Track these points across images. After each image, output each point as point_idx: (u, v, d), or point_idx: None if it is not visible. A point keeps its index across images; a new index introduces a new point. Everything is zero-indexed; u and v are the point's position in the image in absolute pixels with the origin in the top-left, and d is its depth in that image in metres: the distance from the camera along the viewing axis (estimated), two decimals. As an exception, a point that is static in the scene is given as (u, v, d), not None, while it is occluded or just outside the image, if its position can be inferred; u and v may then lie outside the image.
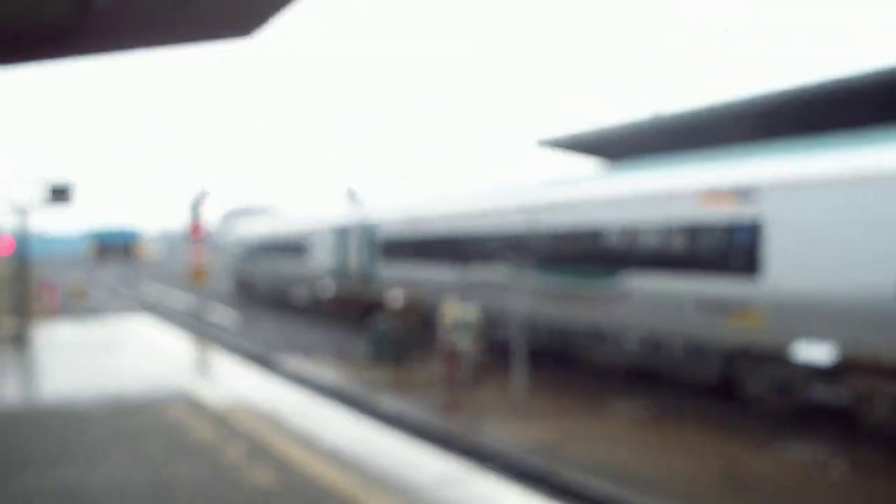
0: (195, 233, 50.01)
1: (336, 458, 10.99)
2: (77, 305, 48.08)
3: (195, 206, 49.72)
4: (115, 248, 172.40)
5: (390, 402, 20.52)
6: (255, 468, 10.43)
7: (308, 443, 11.87)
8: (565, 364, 24.66)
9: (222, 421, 13.32)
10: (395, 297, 30.49)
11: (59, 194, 26.18)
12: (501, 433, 17.18)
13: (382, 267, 35.46)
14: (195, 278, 49.05)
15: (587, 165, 32.37)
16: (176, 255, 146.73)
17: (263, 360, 27.62)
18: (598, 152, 31.68)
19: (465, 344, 21.72)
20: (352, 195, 49.94)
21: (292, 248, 47.00)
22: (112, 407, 14.49)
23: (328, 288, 41.05)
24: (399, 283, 33.08)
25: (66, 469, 10.49)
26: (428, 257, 31.50)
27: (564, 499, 13.08)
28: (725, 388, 19.43)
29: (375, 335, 27.35)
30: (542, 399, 20.71)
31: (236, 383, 17.43)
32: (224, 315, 45.66)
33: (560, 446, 16.07)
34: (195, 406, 14.56)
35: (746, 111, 23.06)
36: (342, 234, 39.69)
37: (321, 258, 42.17)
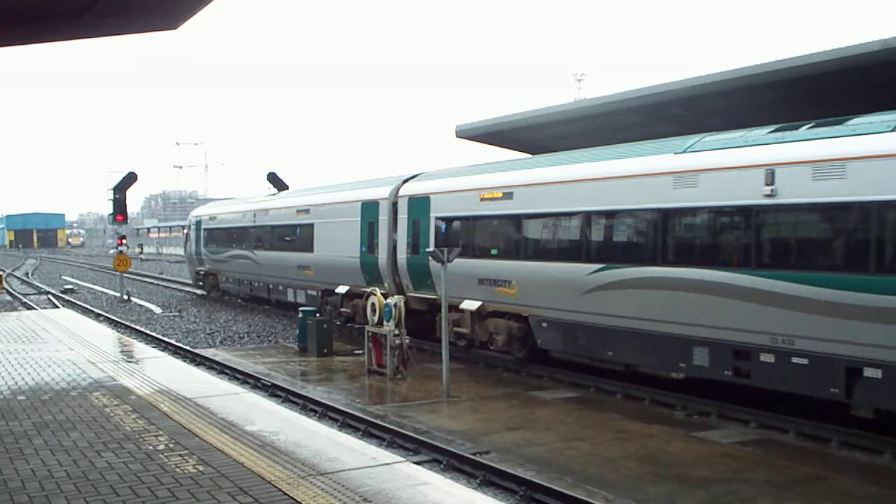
0: (119, 218, 49.60)
1: (263, 444, 11.08)
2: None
3: (120, 190, 49.19)
4: (39, 233, 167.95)
5: (314, 390, 20.62)
6: (181, 456, 10.48)
7: (234, 430, 11.93)
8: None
9: (146, 409, 13.32)
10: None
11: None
12: (426, 421, 17.38)
13: None
14: (118, 266, 48.69)
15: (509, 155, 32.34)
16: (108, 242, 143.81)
17: (189, 351, 27.48)
18: (515, 144, 31.65)
19: (390, 331, 21.85)
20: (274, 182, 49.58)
21: (286, 231, 37.67)
22: (32, 397, 14.38)
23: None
24: None
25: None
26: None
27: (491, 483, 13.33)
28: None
29: (300, 324, 27.40)
30: (467, 387, 20.96)
31: (161, 373, 17.32)
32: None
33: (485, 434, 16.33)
34: (117, 395, 14.51)
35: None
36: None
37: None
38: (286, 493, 8.90)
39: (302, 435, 11.82)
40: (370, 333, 22.86)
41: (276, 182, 48.91)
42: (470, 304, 24.09)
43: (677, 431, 16.55)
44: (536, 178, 22.22)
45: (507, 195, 22.94)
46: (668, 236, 18.24)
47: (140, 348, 22.47)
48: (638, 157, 19.27)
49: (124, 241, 52.16)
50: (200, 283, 50.52)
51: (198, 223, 50.38)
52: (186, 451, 10.68)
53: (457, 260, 21.01)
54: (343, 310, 31.43)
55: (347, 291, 31.10)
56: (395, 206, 27.99)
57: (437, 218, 25.77)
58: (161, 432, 11.76)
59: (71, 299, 48.56)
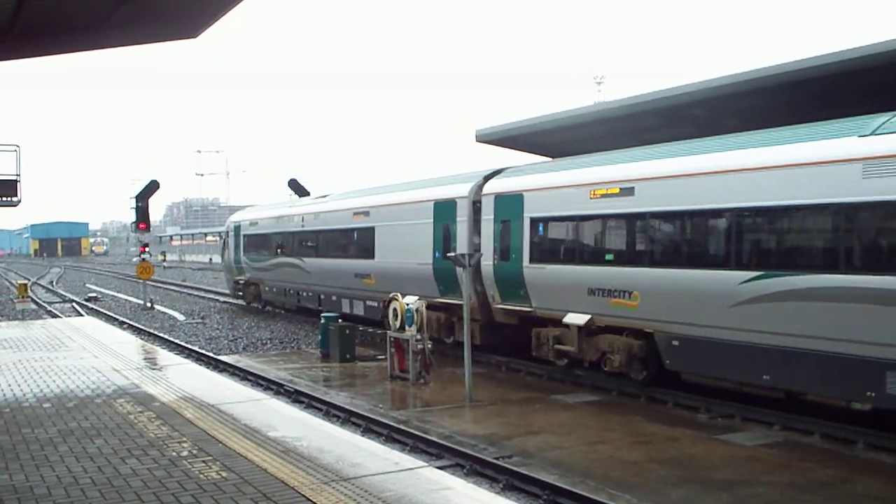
0: (142, 226, 49.81)
1: (286, 450, 11.11)
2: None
3: (142, 198, 49.37)
4: (63, 242, 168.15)
5: (337, 396, 20.66)
6: (204, 462, 10.53)
7: (257, 436, 11.97)
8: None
9: (170, 415, 13.38)
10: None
11: (5, 187, 25.83)
12: (449, 426, 17.39)
13: None
14: (141, 274, 48.89)
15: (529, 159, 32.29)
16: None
17: (212, 358, 27.55)
18: (534, 148, 31.65)
19: (412, 336, 21.86)
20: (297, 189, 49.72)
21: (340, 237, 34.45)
22: (58, 405, 14.47)
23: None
24: None
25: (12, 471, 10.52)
26: None
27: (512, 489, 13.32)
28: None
29: (322, 330, 27.43)
30: (489, 391, 20.97)
31: (184, 380, 17.39)
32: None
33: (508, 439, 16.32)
34: (141, 402, 14.59)
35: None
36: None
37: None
38: (309, 499, 8.93)
39: (324, 440, 11.85)
40: (392, 339, 22.88)
41: (297, 188, 49.23)
42: (576, 318, 20.97)
43: (700, 434, 16.50)
44: (665, 170, 19.03)
45: (627, 191, 19.78)
46: (855, 237, 15.20)
47: (163, 355, 22.57)
48: (801, 143, 16.14)
49: (147, 249, 52.36)
50: (240, 294, 47.19)
51: (237, 229, 47.03)
52: (210, 458, 10.73)
53: (559, 267, 20.33)
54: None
55: (417, 302, 24.85)
56: (475, 205, 25.02)
57: (533, 219, 22.59)
58: (184, 439, 11.81)
59: (95, 307, 48.80)
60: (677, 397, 19.13)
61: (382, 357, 24.86)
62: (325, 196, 38.31)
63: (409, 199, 29.02)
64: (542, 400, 20.20)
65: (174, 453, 10.98)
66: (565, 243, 21.98)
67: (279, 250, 40.71)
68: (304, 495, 9.06)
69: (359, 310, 32.24)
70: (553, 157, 28.95)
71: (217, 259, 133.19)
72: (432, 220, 26.94)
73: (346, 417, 18.30)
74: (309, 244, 37.36)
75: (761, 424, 17.06)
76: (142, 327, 36.84)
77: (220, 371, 24.51)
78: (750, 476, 13.67)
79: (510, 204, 23.45)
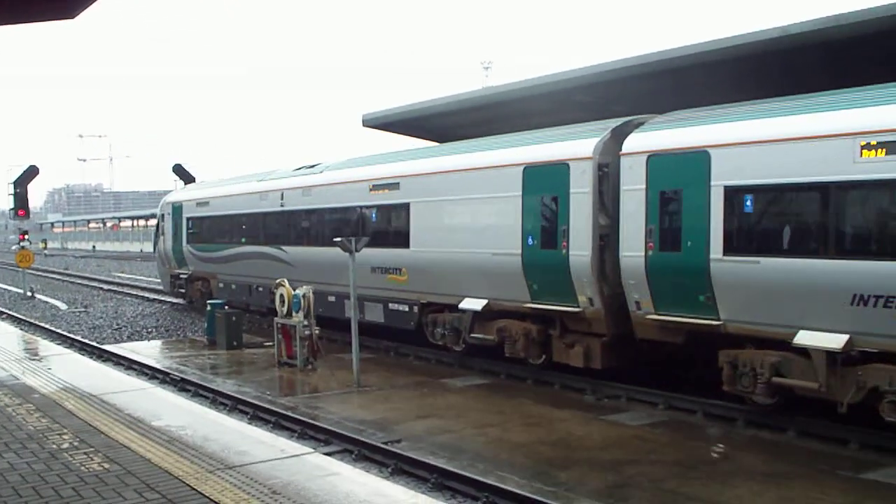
0: (21, 213, 48.51)
1: (171, 440, 10.95)
2: None
3: (21, 184, 48.06)
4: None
5: (224, 383, 20.44)
6: (86, 454, 10.31)
7: (141, 426, 11.77)
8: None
9: (50, 407, 13.07)
10: None
11: None
12: (337, 412, 17.34)
13: None
14: (21, 262, 47.62)
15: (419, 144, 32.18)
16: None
17: (96, 347, 26.99)
18: (424, 133, 31.59)
19: (299, 322, 21.72)
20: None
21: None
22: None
23: None
24: None
25: None
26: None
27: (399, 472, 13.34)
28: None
29: (208, 317, 27.09)
30: (377, 376, 20.96)
31: (66, 370, 17.00)
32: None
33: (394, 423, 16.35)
34: (20, 394, 14.22)
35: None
36: None
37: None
38: (194, 488, 8.81)
39: (210, 429, 11.71)
40: (279, 325, 22.69)
41: (183, 174, 48.26)
42: (821, 340, 14.19)
43: (587, 415, 16.77)
44: None
45: None
46: None
47: (45, 346, 22.07)
48: None
49: (27, 237, 50.99)
50: (181, 291, 38.70)
51: (176, 211, 38.46)
52: (92, 449, 10.50)
53: (793, 262, 14.53)
54: (477, 335, 21.13)
55: (486, 308, 20.72)
56: (603, 169, 18.09)
57: (733, 188, 15.45)
58: (65, 431, 11.54)
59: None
60: (564, 379, 19.36)
61: (270, 344, 24.65)
62: (314, 166, 29.44)
63: (475, 163, 21.32)
64: (431, 384, 20.27)
65: (54, 446, 10.72)
66: (809, 225, 14.95)
67: (244, 237, 32.47)
68: (189, 485, 8.94)
69: (374, 315, 24.74)
70: (440, 141, 28.69)
71: (104, 247, 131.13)
72: (520, 193, 19.66)
73: (233, 405, 18.10)
74: (293, 229, 29.22)
75: (646, 404, 17.42)
76: (22, 317, 35.90)
77: (104, 361, 24.03)
78: (636, 455, 13.94)
79: (682, 166, 16.33)
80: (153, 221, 47.76)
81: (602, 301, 17.96)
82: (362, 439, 14.66)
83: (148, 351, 26.18)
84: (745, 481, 12.53)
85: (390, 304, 24.14)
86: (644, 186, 16.90)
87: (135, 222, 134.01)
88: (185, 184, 45.48)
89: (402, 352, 24.39)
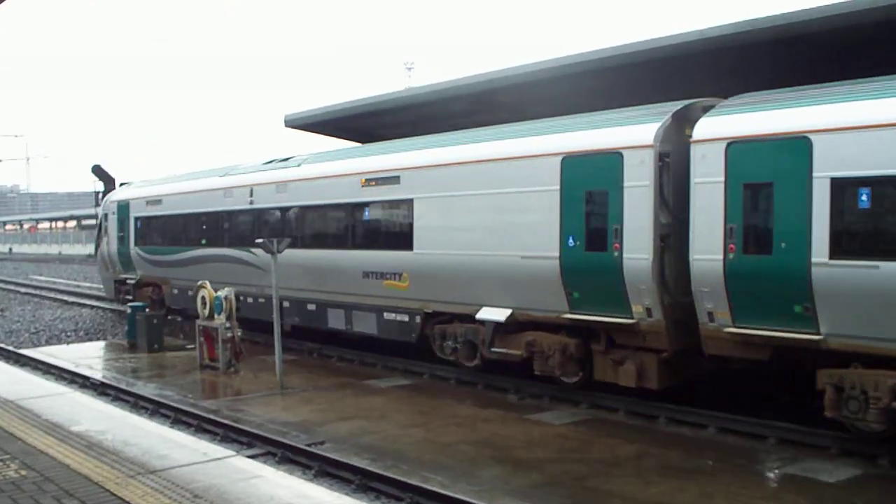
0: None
1: (90, 445, 10.81)
2: None
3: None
4: None
5: (145, 387, 20.20)
6: (1, 461, 10.14)
7: (59, 432, 11.61)
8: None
9: (-33, 414, 12.84)
10: None
11: None
12: (261, 414, 17.23)
13: None
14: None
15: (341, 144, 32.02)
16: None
17: (12, 352, 26.50)
18: (347, 133, 31.48)
19: (221, 324, 21.54)
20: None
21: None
22: None
23: None
24: None
25: None
26: None
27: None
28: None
29: (129, 320, 26.75)
30: (301, 378, 20.86)
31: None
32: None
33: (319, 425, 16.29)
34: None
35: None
36: None
37: None
38: (114, 494, 8.73)
39: (130, 433, 11.61)
40: (201, 327, 22.48)
41: (102, 175, 47.42)
42: None
43: (510, 415, 16.86)
44: None
45: None
46: None
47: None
48: None
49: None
50: (128, 297, 33.61)
51: (121, 210, 34.86)
52: (8, 456, 10.34)
53: None
54: (499, 350, 18.41)
55: (510, 319, 18.12)
56: (663, 160, 15.68)
57: (841, 180, 13.11)
58: (-20, 436, 11.35)
59: None
60: (487, 379, 19.43)
61: (192, 346, 24.42)
62: (287, 159, 26.44)
63: (499, 153, 18.49)
64: (354, 385, 20.23)
65: (-31, 452, 10.53)
66: None
67: (204, 238, 29.18)
68: (108, 490, 8.86)
69: (364, 326, 22.28)
70: (363, 142, 28.56)
71: (21, 249, 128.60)
72: (559, 187, 16.99)
73: (154, 409, 17.89)
74: (264, 229, 25.56)
75: (569, 403, 17.54)
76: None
77: (22, 366, 23.56)
78: (559, 454, 14.06)
79: (773, 155, 14.05)
80: (72, 223, 46.60)
81: (662, 311, 15.57)
82: (286, 441, 14.58)
83: (67, 355, 25.72)
84: (667, 478, 12.71)
85: (386, 314, 21.37)
86: (723, 179, 14.52)
87: (53, 224, 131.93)
88: (105, 185, 44.35)
89: (326, 353, 24.29)
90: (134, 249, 33.46)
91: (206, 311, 22.14)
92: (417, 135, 22.89)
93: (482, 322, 18.60)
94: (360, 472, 12.89)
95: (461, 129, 21.36)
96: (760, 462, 13.53)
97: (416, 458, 13.89)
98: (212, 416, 16.67)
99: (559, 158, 16.87)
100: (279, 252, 19.93)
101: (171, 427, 15.22)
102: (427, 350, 20.66)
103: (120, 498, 8.60)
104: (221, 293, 21.68)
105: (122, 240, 34.37)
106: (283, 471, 11.95)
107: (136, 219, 33.55)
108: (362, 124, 29.44)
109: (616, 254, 15.80)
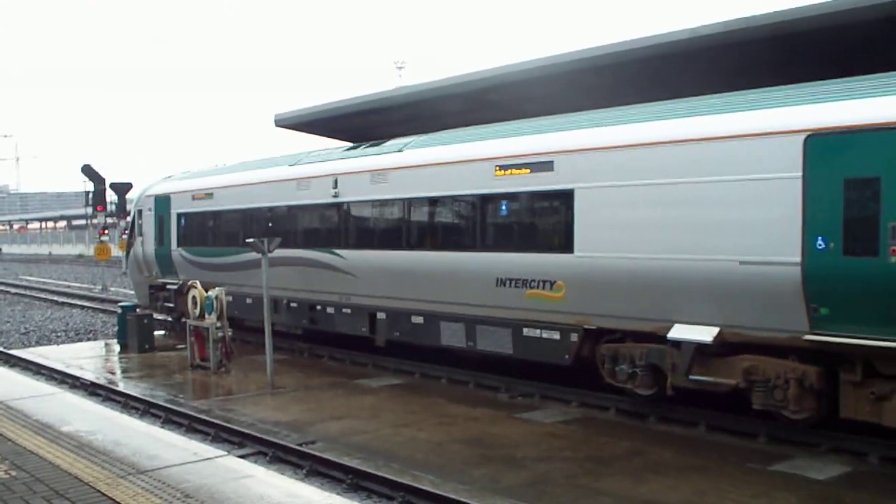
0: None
1: (81, 445, 10.80)
2: None
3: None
4: None
5: (135, 387, 20.17)
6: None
7: (50, 432, 11.59)
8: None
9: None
10: None
11: None
12: (251, 414, 17.22)
13: None
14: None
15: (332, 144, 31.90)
16: None
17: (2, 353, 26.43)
18: (338, 133, 31.37)
19: (212, 324, 21.52)
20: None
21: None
22: None
23: None
24: None
25: None
26: None
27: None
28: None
29: (119, 321, 26.70)
30: (292, 378, 20.85)
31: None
32: None
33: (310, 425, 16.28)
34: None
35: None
36: None
37: None
38: (104, 494, 8.73)
39: (121, 433, 11.60)
40: (192, 327, 22.45)
41: (92, 175, 47.33)
42: None
43: (501, 413, 16.86)
44: None
45: None
46: None
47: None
48: None
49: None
50: (169, 305, 30.29)
51: (161, 205, 30.87)
52: (-1, 455, 10.33)
53: None
54: (702, 378, 14.54)
55: (717, 339, 14.16)
56: None
57: None
58: (-30, 437, 11.33)
59: None
60: (478, 377, 19.45)
61: (182, 347, 24.38)
62: (377, 144, 22.73)
63: (703, 132, 14.41)
64: (345, 385, 20.22)
65: (-41, 453, 10.52)
66: None
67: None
68: (99, 490, 8.85)
69: (492, 343, 18.35)
70: (354, 141, 28.36)
71: (11, 249, 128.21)
72: (800, 174, 12.96)
73: (144, 409, 17.86)
74: (354, 226, 22.09)
75: (559, 402, 17.55)
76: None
77: (12, 366, 23.53)
78: (550, 452, 14.05)
79: None
80: (62, 224, 46.37)
81: None
82: (276, 441, 14.56)
83: (57, 355, 25.67)
84: (659, 476, 12.72)
85: (526, 330, 17.49)
86: None
87: (43, 224, 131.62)
88: (95, 185, 44.11)
89: (317, 353, 24.27)
90: (176, 251, 29.58)
91: (197, 311, 22.11)
92: (412, 133, 22.42)
93: (675, 343, 14.82)
94: (351, 471, 12.87)
95: (451, 127, 21.25)
96: (751, 459, 13.53)
97: (407, 457, 13.88)
98: (202, 416, 16.63)
99: (801, 137, 12.97)
100: (270, 252, 19.82)
101: (162, 427, 15.20)
102: (578, 375, 17.53)
103: (110, 498, 8.59)
104: (212, 293, 21.65)
105: (162, 239, 30.48)
106: (273, 470, 11.95)
107: (180, 215, 29.67)
108: (352, 124, 29.31)
109: (894, 259, 12.07)
